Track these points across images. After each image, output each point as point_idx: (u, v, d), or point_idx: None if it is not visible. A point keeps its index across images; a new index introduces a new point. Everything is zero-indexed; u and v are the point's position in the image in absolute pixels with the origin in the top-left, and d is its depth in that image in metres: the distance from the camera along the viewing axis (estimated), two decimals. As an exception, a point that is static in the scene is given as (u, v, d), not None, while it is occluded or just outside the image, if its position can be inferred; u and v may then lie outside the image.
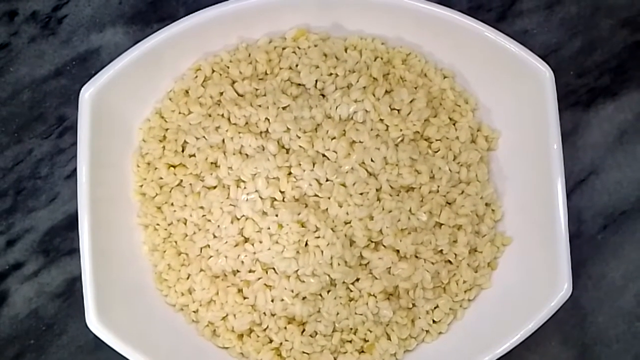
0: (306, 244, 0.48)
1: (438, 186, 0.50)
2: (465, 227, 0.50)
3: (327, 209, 0.48)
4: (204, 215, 0.49)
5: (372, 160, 0.48)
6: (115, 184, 0.49)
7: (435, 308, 0.50)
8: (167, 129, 0.50)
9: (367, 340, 0.49)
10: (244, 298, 0.49)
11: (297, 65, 0.50)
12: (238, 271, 0.49)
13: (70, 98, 0.54)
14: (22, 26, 0.55)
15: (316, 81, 0.50)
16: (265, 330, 0.49)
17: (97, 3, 0.55)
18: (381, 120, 0.49)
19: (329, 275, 0.48)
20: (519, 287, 0.49)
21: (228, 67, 0.51)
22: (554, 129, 0.47)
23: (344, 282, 0.48)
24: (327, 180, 0.48)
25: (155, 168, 0.50)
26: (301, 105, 0.49)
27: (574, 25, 0.56)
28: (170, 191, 0.50)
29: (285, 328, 0.48)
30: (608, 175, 0.55)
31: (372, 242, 0.49)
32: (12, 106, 0.54)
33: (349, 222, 0.48)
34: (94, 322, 0.45)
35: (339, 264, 0.47)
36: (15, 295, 0.53)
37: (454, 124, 0.51)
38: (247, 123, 0.49)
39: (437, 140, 0.50)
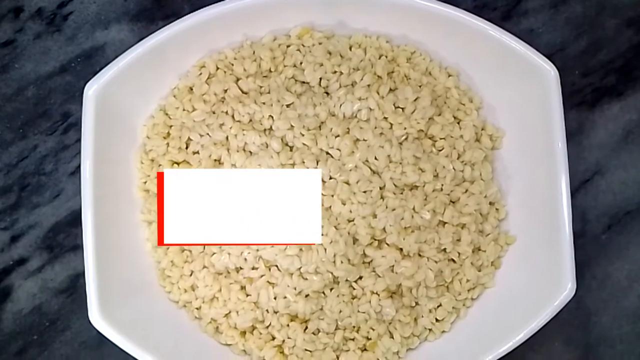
0: (309, 242, 0.48)
1: (442, 185, 0.49)
2: (469, 226, 0.50)
3: (330, 206, 0.48)
4: (207, 212, 0.49)
5: (375, 159, 0.48)
6: (119, 180, 0.49)
7: (438, 307, 0.50)
8: (171, 126, 0.50)
9: (370, 339, 0.49)
10: (247, 295, 0.49)
11: (301, 63, 0.50)
12: (241, 268, 0.49)
13: (75, 95, 0.54)
14: (28, 23, 0.55)
15: (320, 79, 0.50)
16: (267, 327, 0.49)
17: (102, 0, 0.55)
18: (385, 118, 0.49)
19: (331, 273, 0.48)
20: (522, 287, 0.49)
21: (232, 65, 0.51)
22: (558, 128, 0.47)
23: (346, 280, 0.48)
24: (330, 178, 0.48)
25: (159, 165, 0.50)
26: (305, 103, 0.49)
27: (580, 25, 0.56)
28: (173, 188, 0.50)
29: (288, 325, 0.48)
30: (613, 175, 0.55)
31: (375, 240, 0.49)
32: (17, 102, 0.54)
33: (352, 220, 0.48)
34: (96, 318, 0.45)
35: (342, 262, 0.47)
36: (19, 290, 0.53)
37: (458, 123, 0.51)
38: (251, 120, 0.49)
39: (441, 138, 0.50)
